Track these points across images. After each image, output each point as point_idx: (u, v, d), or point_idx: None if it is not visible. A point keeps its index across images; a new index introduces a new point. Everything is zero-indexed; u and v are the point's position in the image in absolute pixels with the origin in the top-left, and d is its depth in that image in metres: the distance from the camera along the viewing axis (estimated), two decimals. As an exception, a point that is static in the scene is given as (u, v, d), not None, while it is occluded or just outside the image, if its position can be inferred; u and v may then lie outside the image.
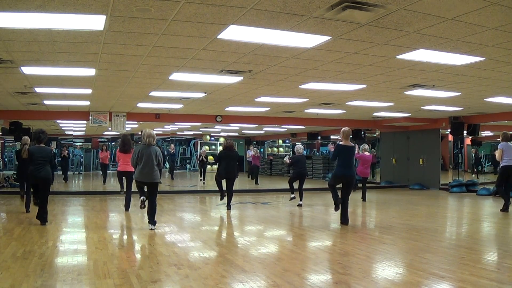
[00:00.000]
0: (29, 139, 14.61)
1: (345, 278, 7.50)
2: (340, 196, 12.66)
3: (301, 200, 17.30)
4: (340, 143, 12.76)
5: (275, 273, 7.77)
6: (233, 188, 16.56)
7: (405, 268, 8.24)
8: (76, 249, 9.62)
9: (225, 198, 16.17)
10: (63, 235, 11.19)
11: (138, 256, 9.38)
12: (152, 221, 11.82)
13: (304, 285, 7.10)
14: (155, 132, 12.18)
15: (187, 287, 6.88)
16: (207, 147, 30.96)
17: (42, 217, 12.11)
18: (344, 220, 12.64)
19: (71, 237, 11.05)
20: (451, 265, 8.29)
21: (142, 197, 11.91)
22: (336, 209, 12.69)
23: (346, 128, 12.83)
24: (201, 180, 29.19)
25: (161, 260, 8.77)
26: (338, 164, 12.71)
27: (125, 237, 11.23)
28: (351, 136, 12.94)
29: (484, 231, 12.69)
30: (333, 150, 14.11)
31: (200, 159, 30.29)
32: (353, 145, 13.11)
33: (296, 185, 17.45)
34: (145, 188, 11.98)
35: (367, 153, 18.52)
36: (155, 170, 11.79)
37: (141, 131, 12.51)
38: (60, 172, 29.69)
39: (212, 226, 13.39)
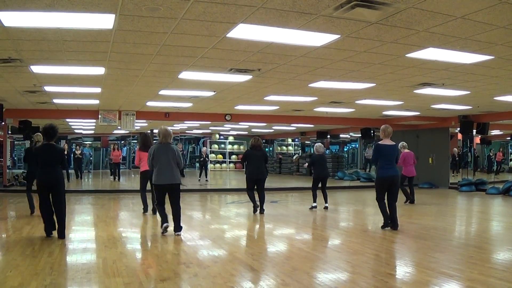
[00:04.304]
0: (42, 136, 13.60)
1: (354, 277, 7.50)
2: (385, 200, 11.74)
3: (326, 202, 16.09)
4: (380, 142, 11.87)
5: (284, 271, 7.76)
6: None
7: (414, 267, 8.22)
8: (85, 247, 9.65)
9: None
10: (73, 233, 11.19)
11: (147, 254, 9.39)
12: (177, 228, 10.95)
13: (313, 283, 7.10)
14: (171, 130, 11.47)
15: (196, 286, 6.89)
16: (204, 149, 30.84)
17: (59, 230, 10.42)
18: (393, 225, 11.67)
19: (81, 236, 11.06)
20: (460, 264, 8.26)
21: (165, 224, 10.90)
22: (383, 227, 11.77)
23: (387, 126, 11.92)
24: (199, 180, 28.92)
25: (170, 258, 8.78)
26: (380, 166, 11.72)
27: (134, 235, 11.24)
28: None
29: (493, 230, 12.65)
30: (372, 153, 12.92)
31: (202, 158, 30.08)
32: (394, 143, 11.94)
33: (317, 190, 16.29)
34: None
35: (406, 150, 17.98)
36: (175, 171, 10.91)
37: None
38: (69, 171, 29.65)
39: (221, 224, 13.36)
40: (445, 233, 11.53)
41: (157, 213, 11.60)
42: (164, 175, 10.77)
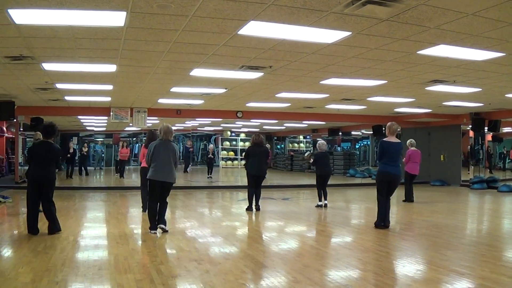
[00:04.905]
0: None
1: (365, 275, 7.51)
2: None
3: (325, 199, 16.05)
4: (385, 139, 11.84)
5: (295, 269, 7.78)
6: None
7: (425, 265, 8.22)
8: (97, 244, 9.68)
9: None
10: (84, 230, 11.25)
11: (159, 251, 9.40)
12: (161, 220, 10.91)
13: (324, 281, 7.11)
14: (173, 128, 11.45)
15: (208, 282, 6.90)
16: (211, 146, 30.84)
17: (52, 227, 10.44)
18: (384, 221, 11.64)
19: (92, 232, 11.10)
20: (471, 262, 8.25)
21: (153, 231, 10.75)
22: (377, 226, 11.59)
23: (393, 123, 11.97)
24: (208, 177, 28.92)
25: (181, 255, 8.80)
26: (383, 162, 11.67)
27: (146, 232, 11.25)
28: (398, 131, 11.86)
29: (505, 228, 12.61)
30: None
31: (208, 155, 29.99)
32: (399, 141, 11.91)
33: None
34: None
35: (413, 148, 17.87)
36: (172, 169, 10.89)
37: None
38: (75, 168, 29.71)
39: (233, 221, 13.40)
40: (457, 231, 11.51)
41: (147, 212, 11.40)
42: (161, 172, 10.76)
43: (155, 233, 10.76)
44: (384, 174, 11.65)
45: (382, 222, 11.54)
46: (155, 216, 10.94)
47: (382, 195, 11.61)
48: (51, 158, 10.54)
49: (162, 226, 10.92)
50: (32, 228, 10.35)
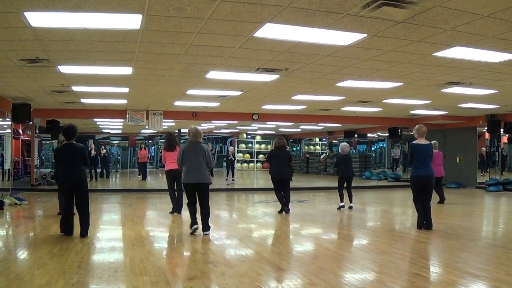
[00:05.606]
0: None
1: (381, 277, 7.47)
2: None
3: (351, 202, 15.98)
4: (414, 142, 11.83)
5: (311, 271, 7.76)
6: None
7: (441, 267, 8.19)
8: (112, 246, 9.73)
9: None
10: (100, 232, 11.25)
11: (175, 253, 9.43)
12: (206, 227, 10.85)
13: (340, 283, 7.08)
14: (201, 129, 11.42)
15: (223, 285, 6.90)
16: (231, 148, 30.78)
17: (82, 228, 10.37)
18: (428, 224, 11.56)
19: (108, 234, 11.12)
20: (486, 265, 8.20)
21: (194, 226, 10.85)
22: (419, 227, 11.58)
23: (421, 125, 11.82)
24: (226, 179, 28.85)
25: (197, 257, 8.82)
26: (414, 165, 11.67)
27: (162, 234, 11.27)
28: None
29: (522, 230, 12.56)
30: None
31: (228, 158, 30.00)
32: (429, 143, 11.86)
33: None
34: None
35: (435, 151, 17.67)
36: (203, 170, 10.80)
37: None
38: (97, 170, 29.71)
39: (249, 224, 13.39)
40: (472, 233, 11.46)
41: (188, 212, 11.46)
42: (192, 174, 10.72)
43: (196, 228, 10.83)
44: (416, 178, 11.62)
45: (425, 220, 11.52)
46: (194, 214, 11.01)
47: (417, 199, 11.62)
48: (77, 158, 10.51)
49: (206, 233, 10.81)
50: (68, 229, 10.45)
